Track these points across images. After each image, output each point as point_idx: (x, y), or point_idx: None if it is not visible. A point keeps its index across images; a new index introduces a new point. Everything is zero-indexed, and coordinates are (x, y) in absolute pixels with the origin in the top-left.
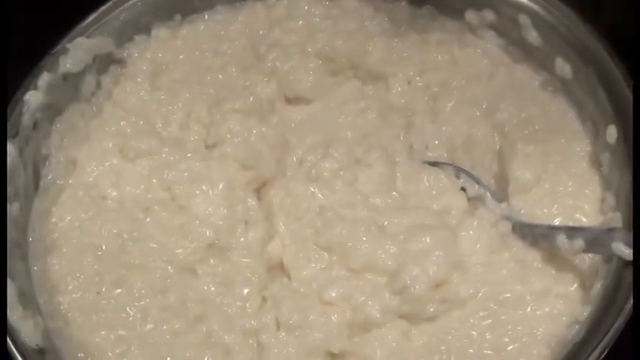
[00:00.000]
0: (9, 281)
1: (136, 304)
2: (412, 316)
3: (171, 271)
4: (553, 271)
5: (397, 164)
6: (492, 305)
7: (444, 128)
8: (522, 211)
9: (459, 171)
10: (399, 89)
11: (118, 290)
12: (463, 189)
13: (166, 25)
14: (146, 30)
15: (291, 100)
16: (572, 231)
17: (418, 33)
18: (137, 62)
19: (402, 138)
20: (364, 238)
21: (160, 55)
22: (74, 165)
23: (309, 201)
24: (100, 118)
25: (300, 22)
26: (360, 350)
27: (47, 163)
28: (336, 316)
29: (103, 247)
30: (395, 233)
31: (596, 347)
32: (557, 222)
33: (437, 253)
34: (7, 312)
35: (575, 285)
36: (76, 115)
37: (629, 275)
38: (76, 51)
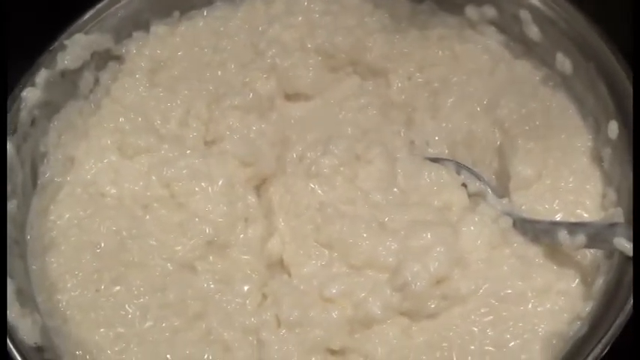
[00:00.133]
0: (8, 279)
1: (135, 301)
2: (413, 313)
3: (171, 268)
4: (554, 267)
5: (398, 160)
6: (493, 301)
7: (444, 124)
8: (523, 207)
9: (459, 167)
10: (400, 85)
11: (117, 288)
12: (464, 185)
13: (165, 21)
14: (144, 26)
15: (291, 97)
16: (573, 226)
17: (418, 29)
18: (135, 59)
19: (402, 134)
20: (365, 235)
21: (158, 51)
22: (72, 162)
23: (309, 197)
24: (98, 115)
25: (300, 18)
26: (361, 347)
27: (45, 160)
28: (336, 312)
29: (102, 244)
30: (396, 229)
31: (598, 343)
32: (558, 218)
33: (438, 249)
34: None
35: (577, 281)
36: (74, 112)
37: (631, 271)
38: (74, 48)
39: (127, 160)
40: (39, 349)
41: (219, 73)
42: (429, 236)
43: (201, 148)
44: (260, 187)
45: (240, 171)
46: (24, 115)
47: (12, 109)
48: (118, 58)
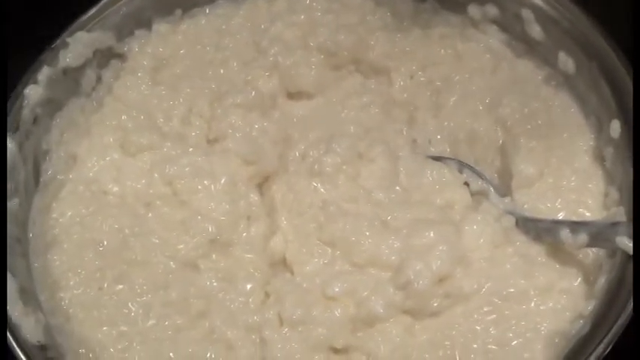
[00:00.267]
0: (10, 277)
1: (138, 299)
2: (416, 311)
3: (174, 266)
4: (557, 266)
5: (400, 159)
6: (496, 300)
7: (446, 123)
8: (526, 206)
9: (462, 166)
10: (402, 84)
11: (120, 286)
12: (466, 184)
13: (167, 19)
14: (147, 24)
15: (293, 95)
16: (575, 225)
17: (421, 27)
18: (138, 57)
19: (404, 133)
20: (367, 233)
21: (160, 49)
22: (74, 160)
23: (311, 196)
24: (100, 112)
25: (302, 17)
26: (364, 345)
27: (47, 158)
28: (339, 311)
29: (105, 242)
30: (398, 228)
31: (600, 342)
32: (560, 216)
33: (440, 247)
34: (8, 308)
35: (579, 279)
36: (77, 110)
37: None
38: (77, 45)
39: (129, 157)
40: (42, 348)
41: (222, 71)
42: (431, 235)
43: (203, 146)
44: (262, 185)
45: (243, 169)
46: (26, 113)
47: (14, 107)
48: (121, 56)
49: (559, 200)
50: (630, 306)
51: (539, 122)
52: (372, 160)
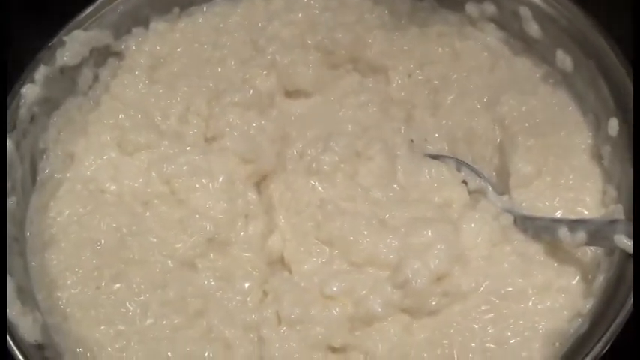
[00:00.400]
0: (8, 277)
1: (136, 298)
2: (414, 310)
3: (171, 265)
4: (555, 264)
5: (398, 157)
6: (494, 299)
7: (444, 121)
8: (523, 204)
9: (460, 164)
10: (400, 82)
11: (118, 285)
12: (464, 182)
13: (164, 17)
14: (144, 23)
15: (291, 94)
16: (574, 223)
17: (418, 26)
18: (135, 55)
19: (402, 131)
20: (365, 232)
21: (158, 48)
22: (72, 159)
23: (309, 195)
24: (97, 111)
25: (300, 15)
26: (362, 344)
27: (45, 157)
28: (337, 310)
29: (102, 241)
30: (396, 227)
31: (598, 341)
32: (558, 215)
33: (438, 246)
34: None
35: (577, 278)
36: (74, 109)
37: (631, 268)
38: (74, 44)
39: (126, 156)
40: (39, 347)
41: (219, 69)
42: (429, 233)
43: (201, 145)
44: (260, 183)
45: (241, 168)
46: (23, 112)
47: (11, 106)
48: (118, 55)
49: (557, 198)
50: (628, 304)
51: (537, 120)
52: (370, 159)
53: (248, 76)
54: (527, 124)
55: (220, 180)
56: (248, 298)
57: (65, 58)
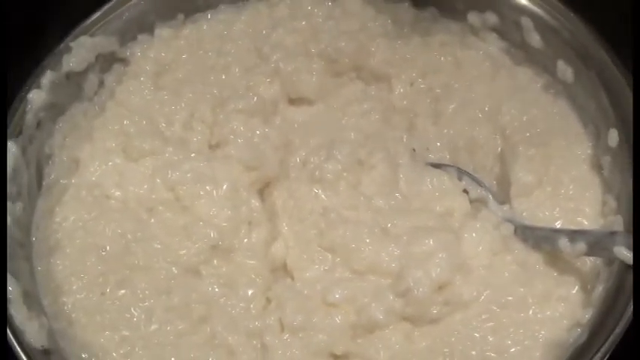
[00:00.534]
0: (14, 281)
1: (141, 304)
2: (415, 318)
3: (176, 272)
4: (555, 274)
5: (400, 166)
6: (495, 308)
7: (446, 130)
8: (524, 214)
9: (461, 173)
10: (402, 91)
11: (122, 291)
12: (465, 191)
13: (169, 24)
14: (149, 29)
15: (294, 101)
16: (574, 234)
17: (421, 35)
18: (140, 61)
19: (404, 140)
20: (367, 240)
21: (163, 54)
22: (77, 164)
23: (312, 202)
24: (102, 117)
25: (303, 23)
26: (364, 352)
27: (50, 162)
28: (339, 317)
29: (107, 247)
30: (398, 235)
31: (597, 351)
32: (558, 225)
33: (440, 255)
34: (13, 312)
35: (577, 288)
36: (79, 114)
37: (630, 278)
38: (80, 50)
39: (131, 162)
40: (45, 352)
41: (224, 76)
42: (431, 242)
43: (205, 152)
44: (264, 191)
45: (244, 175)
46: (29, 118)
47: (18, 111)
48: (123, 61)
49: (557, 208)
50: (628, 314)
51: (538, 130)
52: (373, 167)
53: (252, 83)
54: (528, 134)
55: (224, 187)
56: (251, 305)
57: (71, 64)
